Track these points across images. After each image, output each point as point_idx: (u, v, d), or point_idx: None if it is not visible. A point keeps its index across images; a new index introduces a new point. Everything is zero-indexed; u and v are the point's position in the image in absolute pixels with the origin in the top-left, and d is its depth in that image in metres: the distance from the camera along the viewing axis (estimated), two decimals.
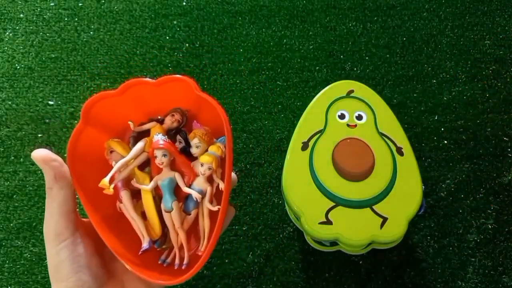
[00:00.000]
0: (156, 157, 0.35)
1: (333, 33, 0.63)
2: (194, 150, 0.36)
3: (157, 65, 0.61)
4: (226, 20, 0.64)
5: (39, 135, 0.57)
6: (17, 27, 0.64)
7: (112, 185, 0.34)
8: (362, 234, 0.42)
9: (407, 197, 0.43)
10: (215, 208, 0.35)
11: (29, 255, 0.51)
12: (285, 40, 0.63)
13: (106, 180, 0.34)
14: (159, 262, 0.36)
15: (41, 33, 0.63)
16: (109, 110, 0.35)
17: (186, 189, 0.35)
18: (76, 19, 0.64)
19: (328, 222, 0.42)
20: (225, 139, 0.36)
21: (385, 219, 0.42)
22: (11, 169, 0.55)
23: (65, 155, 0.34)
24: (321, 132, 0.46)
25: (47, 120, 0.58)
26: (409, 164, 0.45)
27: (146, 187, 0.35)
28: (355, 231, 0.42)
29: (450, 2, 0.65)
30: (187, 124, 0.38)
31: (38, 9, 0.65)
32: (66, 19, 0.64)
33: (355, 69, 0.61)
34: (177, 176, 0.35)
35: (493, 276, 0.49)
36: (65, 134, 0.57)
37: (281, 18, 0.64)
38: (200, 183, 0.36)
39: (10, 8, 0.65)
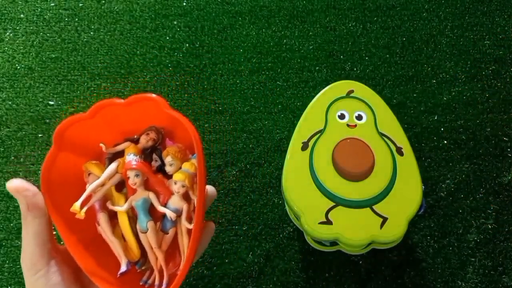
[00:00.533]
0: (129, 177, 0.35)
1: (333, 33, 0.63)
2: (168, 168, 0.36)
3: (157, 65, 0.61)
4: (226, 20, 0.64)
5: (39, 135, 0.57)
6: (18, 27, 0.64)
7: (84, 209, 0.33)
8: (362, 234, 0.42)
9: (407, 197, 0.43)
10: (191, 226, 0.34)
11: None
12: (285, 40, 0.63)
13: (77, 204, 0.33)
14: (141, 284, 0.35)
15: (41, 33, 0.63)
16: (83, 133, 0.35)
17: (160, 209, 0.35)
18: (77, 19, 0.64)
19: (328, 222, 0.42)
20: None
21: (385, 219, 0.42)
22: (11, 169, 0.55)
23: None
24: (321, 132, 0.46)
25: (48, 120, 0.58)
26: (409, 164, 0.45)
27: (120, 209, 0.35)
28: (355, 231, 0.42)
29: (449, 2, 0.65)
30: (163, 142, 0.38)
31: (39, 10, 0.65)
32: (66, 19, 0.65)
33: (355, 69, 0.61)
34: (152, 196, 0.35)
35: (493, 276, 0.49)
36: None
37: (281, 18, 0.65)
38: (175, 201, 0.35)
39: (11, 9, 0.65)
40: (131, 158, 0.35)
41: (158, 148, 0.37)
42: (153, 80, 0.60)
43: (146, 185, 0.36)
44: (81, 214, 0.33)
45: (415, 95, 0.59)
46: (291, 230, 0.52)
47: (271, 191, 0.54)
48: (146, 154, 0.37)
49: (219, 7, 0.65)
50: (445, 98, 0.59)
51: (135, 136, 0.37)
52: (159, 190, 0.36)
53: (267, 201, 0.54)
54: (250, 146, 0.56)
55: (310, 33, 0.63)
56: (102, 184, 0.35)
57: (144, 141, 0.37)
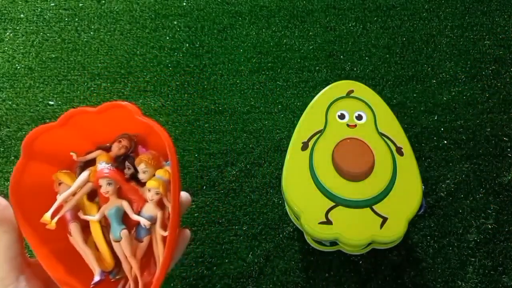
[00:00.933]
0: (101, 186, 0.34)
1: (333, 33, 0.63)
2: (141, 176, 0.35)
3: (157, 65, 0.61)
4: (226, 20, 0.64)
5: None
6: (18, 28, 0.64)
7: (55, 220, 0.33)
8: (362, 234, 0.42)
9: (407, 197, 0.43)
10: (166, 233, 0.34)
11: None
12: (285, 40, 0.63)
13: (47, 215, 0.33)
14: None
15: (41, 34, 0.63)
16: (54, 142, 0.34)
17: (134, 217, 0.34)
18: (77, 19, 0.64)
19: (328, 222, 0.42)
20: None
21: (385, 219, 0.42)
22: (11, 169, 0.55)
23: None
24: (321, 132, 0.46)
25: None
26: (409, 164, 0.45)
27: (93, 218, 0.34)
28: (355, 231, 0.42)
29: (449, 2, 0.65)
30: (135, 149, 0.37)
31: (39, 10, 0.65)
32: (66, 19, 0.65)
33: (355, 69, 0.61)
34: (125, 204, 0.35)
35: (493, 276, 0.49)
36: None
37: (281, 18, 0.65)
38: (149, 209, 0.35)
39: (11, 9, 0.65)
40: (103, 166, 0.35)
41: (131, 156, 0.37)
42: (153, 80, 0.60)
43: (119, 194, 0.35)
44: (52, 225, 0.33)
45: (415, 95, 0.59)
46: (291, 230, 0.52)
47: (271, 191, 0.54)
48: (119, 162, 0.36)
49: (219, 7, 0.65)
50: (445, 98, 0.59)
51: (108, 144, 0.37)
52: (132, 198, 0.35)
53: (267, 201, 0.54)
54: (250, 146, 0.56)
55: (310, 33, 0.63)
56: (74, 194, 0.34)
57: (117, 148, 0.36)
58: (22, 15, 0.65)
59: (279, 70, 0.61)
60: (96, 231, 0.35)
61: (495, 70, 0.61)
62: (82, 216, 0.35)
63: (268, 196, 0.54)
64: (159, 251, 0.35)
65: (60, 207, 0.34)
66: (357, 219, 0.42)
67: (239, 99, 0.59)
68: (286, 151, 0.46)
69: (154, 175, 0.35)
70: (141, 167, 0.35)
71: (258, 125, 0.58)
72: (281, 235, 0.52)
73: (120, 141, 0.36)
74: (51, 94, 0.59)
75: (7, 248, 0.31)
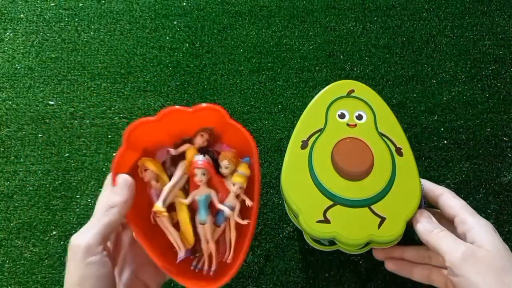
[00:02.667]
0: (196, 175, 0.39)
1: (333, 33, 0.63)
2: (223, 170, 0.40)
3: (157, 65, 0.61)
4: (226, 20, 0.64)
5: (40, 135, 0.57)
6: (18, 27, 0.64)
7: (165, 207, 0.38)
8: (360, 234, 0.42)
9: (406, 197, 0.43)
10: (245, 222, 0.39)
11: (29, 255, 0.51)
12: (285, 40, 0.63)
13: (159, 205, 0.38)
14: (191, 268, 0.40)
15: (41, 33, 0.64)
16: (146, 134, 0.39)
17: (219, 206, 0.39)
18: (77, 19, 0.65)
19: (326, 220, 0.42)
20: (248, 159, 0.41)
21: (383, 219, 0.42)
22: (11, 169, 0.55)
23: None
24: (320, 131, 0.46)
25: (48, 120, 0.58)
26: (408, 165, 0.45)
27: (185, 201, 0.39)
28: (352, 230, 0.42)
29: (449, 2, 0.65)
30: (214, 143, 0.42)
31: (39, 10, 0.65)
32: (66, 19, 0.65)
33: (355, 69, 0.61)
34: (213, 194, 0.40)
35: None
36: (65, 134, 0.57)
37: (281, 18, 0.65)
38: (230, 200, 0.40)
39: (11, 9, 0.65)
40: (199, 158, 0.39)
41: (210, 151, 0.42)
42: (153, 80, 0.60)
43: (208, 183, 0.40)
44: (165, 214, 0.38)
45: (415, 95, 0.59)
46: (291, 230, 0.52)
47: (271, 191, 0.54)
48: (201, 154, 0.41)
49: (219, 7, 0.65)
50: (445, 98, 0.59)
51: (191, 137, 0.41)
52: (218, 188, 0.41)
53: (267, 201, 0.54)
54: None
55: (310, 33, 0.63)
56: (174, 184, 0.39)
57: (200, 141, 0.41)
58: (22, 15, 0.65)
59: (279, 70, 0.61)
60: (183, 213, 0.40)
61: (495, 70, 0.61)
62: (178, 199, 0.40)
63: (268, 196, 0.54)
64: (232, 236, 0.40)
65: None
66: (355, 218, 0.42)
67: (239, 99, 0.59)
68: (286, 151, 0.46)
69: (234, 170, 0.40)
70: (224, 163, 0.40)
71: (258, 125, 0.58)
72: (281, 235, 0.52)
73: (202, 135, 0.41)
74: (51, 94, 0.60)
75: (111, 224, 0.35)
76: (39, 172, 0.55)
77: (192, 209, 0.41)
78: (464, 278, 0.36)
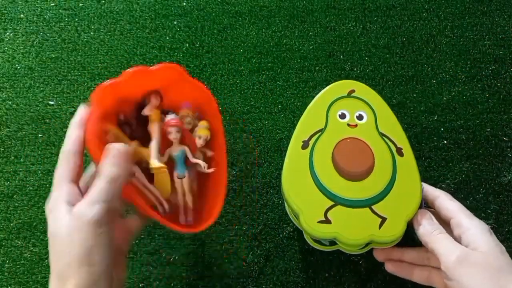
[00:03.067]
0: (170, 133, 0.41)
1: (333, 33, 0.63)
2: (186, 126, 0.43)
3: None
4: (226, 20, 0.64)
5: (39, 135, 0.57)
6: (18, 27, 0.64)
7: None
8: (361, 234, 0.42)
9: (406, 197, 0.43)
10: (211, 170, 0.42)
11: (29, 255, 0.51)
12: (285, 40, 0.63)
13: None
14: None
15: (41, 33, 0.64)
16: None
17: (193, 160, 0.42)
18: (77, 19, 0.65)
19: (326, 221, 0.42)
20: (190, 106, 0.44)
21: (384, 219, 0.42)
22: (11, 169, 0.55)
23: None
24: (321, 131, 0.46)
25: (48, 120, 0.58)
26: (408, 165, 0.45)
27: (163, 159, 0.41)
28: (353, 230, 0.42)
29: (449, 2, 0.65)
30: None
31: (39, 10, 0.65)
32: (66, 19, 0.65)
33: (355, 69, 0.61)
34: (187, 149, 0.42)
35: None
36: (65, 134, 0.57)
37: (281, 19, 0.65)
38: (197, 153, 0.43)
39: (11, 9, 0.65)
40: (171, 116, 0.41)
41: (170, 110, 0.43)
42: None
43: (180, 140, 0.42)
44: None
45: (415, 95, 0.59)
46: (291, 230, 0.52)
47: (271, 191, 0.54)
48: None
49: (219, 7, 0.65)
50: (445, 98, 0.59)
51: (143, 101, 0.42)
52: (189, 144, 0.43)
53: (267, 201, 0.54)
54: (250, 146, 0.56)
55: (310, 33, 0.63)
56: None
57: (156, 102, 0.42)
58: (22, 15, 0.65)
59: (279, 70, 0.61)
60: (162, 171, 0.41)
61: (495, 70, 0.61)
62: (154, 160, 0.40)
63: (268, 196, 0.54)
64: (193, 188, 0.43)
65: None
66: (356, 218, 0.42)
67: (239, 99, 0.59)
68: (286, 151, 0.46)
69: (195, 125, 0.44)
70: (187, 119, 0.43)
71: (258, 125, 0.58)
72: (281, 235, 0.52)
73: (155, 97, 0.42)
74: (51, 94, 0.59)
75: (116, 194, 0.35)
76: (39, 172, 0.55)
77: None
78: (456, 282, 0.36)
